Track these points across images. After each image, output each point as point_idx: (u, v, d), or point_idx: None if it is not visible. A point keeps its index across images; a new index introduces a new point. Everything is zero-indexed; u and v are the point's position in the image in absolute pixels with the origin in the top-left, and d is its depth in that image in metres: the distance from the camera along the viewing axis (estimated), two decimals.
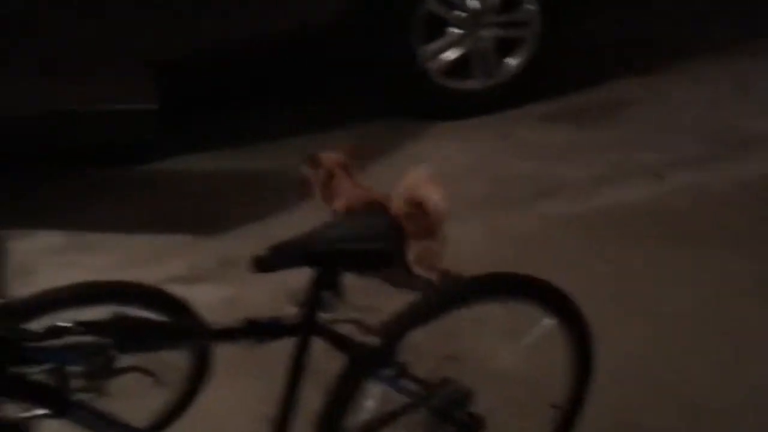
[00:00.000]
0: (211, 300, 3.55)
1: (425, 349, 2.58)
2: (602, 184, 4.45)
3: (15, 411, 2.20)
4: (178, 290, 2.75)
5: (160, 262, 3.93)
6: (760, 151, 4.68)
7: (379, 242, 2.30)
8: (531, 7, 5.04)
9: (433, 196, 3.54)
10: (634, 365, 3.29)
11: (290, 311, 2.34)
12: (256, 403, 3.01)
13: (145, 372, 2.27)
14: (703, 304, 3.61)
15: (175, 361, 2.79)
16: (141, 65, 3.95)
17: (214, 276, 3.88)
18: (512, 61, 5.13)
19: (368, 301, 3.28)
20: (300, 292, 3.22)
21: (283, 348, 2.33)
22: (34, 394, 2.11)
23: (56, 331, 2.09)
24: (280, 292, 3.38)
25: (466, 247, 3.94)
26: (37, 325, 2.35)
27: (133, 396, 2.53)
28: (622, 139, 4.69)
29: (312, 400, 2.41)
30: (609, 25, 5.82)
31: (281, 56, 4.88)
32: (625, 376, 3.20)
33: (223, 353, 2.88)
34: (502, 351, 2.79)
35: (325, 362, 2.39)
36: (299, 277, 2.34)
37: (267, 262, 2.22)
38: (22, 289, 3.13)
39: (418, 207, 3.51)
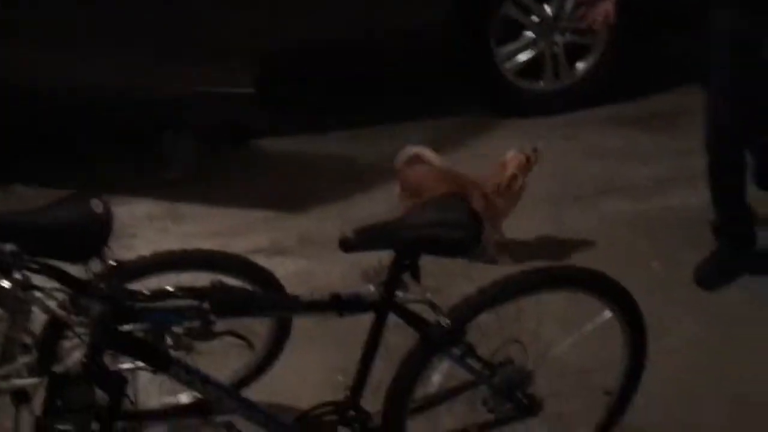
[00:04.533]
0: (287, 272, 3.63)
1: (491, 330, 2.62)
2: (663, 186, 4.43)
3: (120, 364, 2.29)
4: (259, 261, 2.84)
5: (245, 235, 4.02)
6: None
7: (460, 230, 2.35)
8: None
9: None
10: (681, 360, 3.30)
11: (365, 289, 2.39)
12: (330, 371, 3.08)
13: (239, 336, 2.35)
14: (752, 302, 3.60)
15: (258, 326, 2.88)
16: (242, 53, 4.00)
17: (293, 251, 3.96)
18: (581, 66, 5.14)
19: (441, 283, 3.35)
20: (375, 271, 3.29)
21: (357, 322, 2.40)
22: (140, 351, 2.20)
23: (160, 294, 2.18)
24: (352, 270, 3.48)
25: (532, 240, 3.98)
26: (142, 286, 2.46)
27: (218, 357, 2.63)
28: (684, 146, 4.66)
29: (381, 371, 2.48)
30: (684, 38, 5.74)
31: (386, 53, 4.93)
32: (673, 370, 3.22)
33: (301, 324, 2.97)
34: (562, 338, 2.81)
35: (394, 336, 2.46)
36: (371, 258, 2.39)
37: (353, 243, 2.26)
38: (124, 251, 3.25)
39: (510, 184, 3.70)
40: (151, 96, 4.11)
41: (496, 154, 4.61)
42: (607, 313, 2.70)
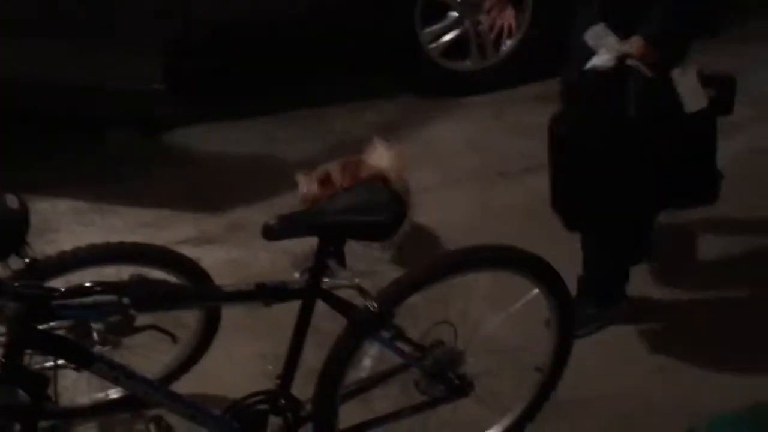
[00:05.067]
0: (216, 261, 3.58)
1: (420, 313, 2.61)
2: None
3: (41, 363, 2.24)
4: (187, 252, 2.79)
5: (172, 226, 3.96)
6: None
7: (381, 214, 2.33)
8: None
9: (393, 172, 3.56)
10: None
11: (294, 276, 2.37)
12: (260, 360, 3.05)
13: (162, 330, 2.31)
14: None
15: (185, 319, 2.84)
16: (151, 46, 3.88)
17: (221, 239, 3.91)
18: (506, 45, 5.14)
19: (367, 267, 3.34)
20: (303, 258, 3.27)
21: (287, 310, 2.37)
22: (60, 349, 2.15)
23: (79, 290, 2.13)
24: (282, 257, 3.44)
25: (457, 219, 3.98)
26: (60, 283, 2.40)
27: (147, 350, 2.59)
28: None
29: (312, 358, 2.46)
30: None
31: (295, 35, 4.86)
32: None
33: (231, 313, 2.93)
34: (491, 317, 2.82)
35: (324, 323, 2.44)
36: (302, 244, 2.37)
37: (276, 231, 2.23)
38: (45, 247, 3.18)
39: (379, 180, 3.43)
40: (63, 88, 3.98)
41: (426, 136, 4.66)
42: (535, 291, 2.71)
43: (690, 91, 2.93)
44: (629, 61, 2.92)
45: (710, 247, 3.83)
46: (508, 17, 3.24)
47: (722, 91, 3.02)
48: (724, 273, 3.70)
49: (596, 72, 2.97)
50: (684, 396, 3.06)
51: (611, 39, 2.96)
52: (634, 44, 2.90)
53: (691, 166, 3.15)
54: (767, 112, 4.74)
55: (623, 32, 2.94)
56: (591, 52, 2.98)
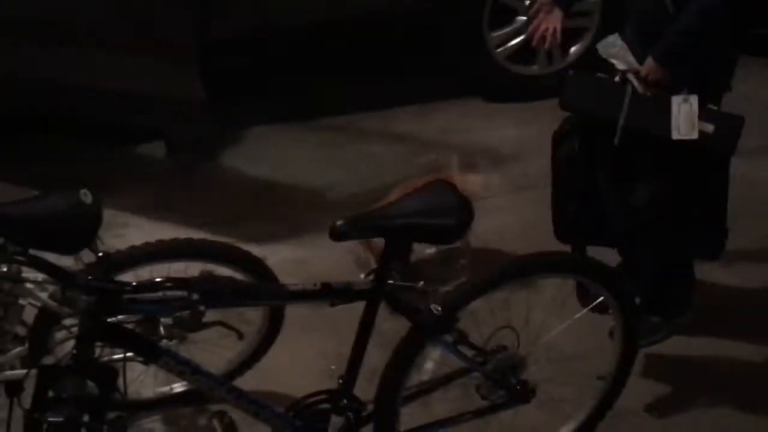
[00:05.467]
0: (281, 260, 3.61)
1: (483, 318, 2.60)
2: None
3: (110, 355, 2.27)
4: (253, 251, 2.82)
5: (237, 223, 3.99)
6: None
7: (448, 217, 2.32)
8: None
9: (468, 182, 3.51)
10: None
11: (359, 277, 2.38)
12: (323, 360, 3.06)
13: (229, 327, 2.33)
14: None
15: (251, 315, 2.86)
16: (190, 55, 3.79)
17: (285, 239, 3.94)
18: (574, 49, 5.11)
19: (433, 271, 3.34)
20: (368, 260, 3.27)
21: (352, 310, 2.38)
22: (129, 342, 2.18)
23: (149, 285, 2.16)
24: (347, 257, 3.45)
25: (520, 225, 3.95)
26: (133, 277, 2.44)
27: (212, 346, 2.61)
28: None
29: (375, 359, 2.46)
30: None
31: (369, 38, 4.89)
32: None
33: (295, 312, 2.95)
34: (554, 324, 2.80)
35: (386, 323, 2.44)
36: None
37: (343, 231, 2.23)
38: (114, 241, 3.23)
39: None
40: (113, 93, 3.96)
41: (491, 140, 4.64)
42: (600, 299, 2.69)
43: (683, 118, 2.86)
44: (628, 74, 2.91)
45: None
46: (553, 21, 3.19)
47: (723, 129, 2.90)
48: None
49: (597, 79, 2.98)
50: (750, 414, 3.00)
51: (622, 51, 2.93)
52: (646, 62, 2.89)
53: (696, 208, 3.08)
54: None
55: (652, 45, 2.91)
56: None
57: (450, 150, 4.17)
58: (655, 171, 3.00)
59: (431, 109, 5.00)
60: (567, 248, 3.20)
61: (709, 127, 2.88)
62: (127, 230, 3.84)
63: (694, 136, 2.86)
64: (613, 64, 2.98)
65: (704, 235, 3.15)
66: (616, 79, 2.97)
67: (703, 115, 2.86)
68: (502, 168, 4.40)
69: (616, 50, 2.97)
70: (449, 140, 4.66)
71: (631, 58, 2.94)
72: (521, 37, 4.99)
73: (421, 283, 2.39)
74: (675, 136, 2.86)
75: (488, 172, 4.06)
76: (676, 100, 2.86)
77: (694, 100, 2.86)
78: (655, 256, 3.15)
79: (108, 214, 2.30)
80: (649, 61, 2.89)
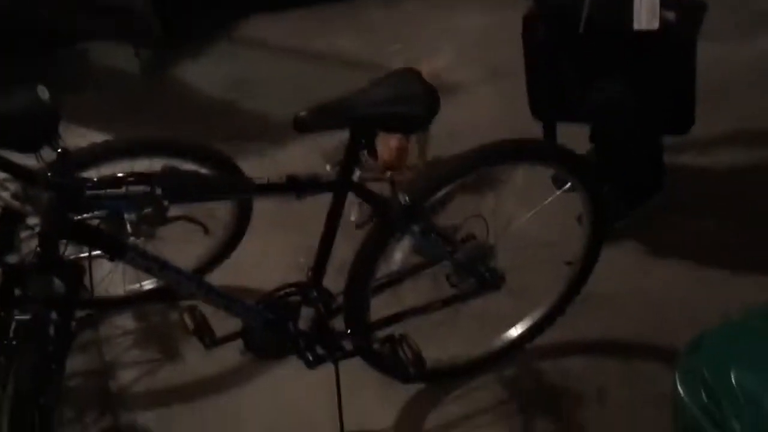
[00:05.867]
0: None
1: (452, 207, 2.60)
2: None
3: (76, 254, 2.25)
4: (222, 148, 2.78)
5: (203, 121, 3.94)
6: None
7: (415, 105, 2.29)
8: None
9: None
10: None
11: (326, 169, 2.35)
12: (293, 253, 3.06)
13: (194, 221, 2.31)
14: None
15: (219, 211, 2.84)
16: None
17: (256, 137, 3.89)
18: None
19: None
20: (335, 151, 3.23)
21: (319, 204, 2.37)
22: (94, 239, 2.16)
23: (112, 181, 2.12)
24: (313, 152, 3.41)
25: (484, 112, 3.92)
26: (96, 174, 2.40)
27: (180, 243, 2.59)
28: None
29: (344, 251, 2.46)
30: None
31: None
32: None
33: (263, 207, 2.93)
34: (522, 212, 2.80)
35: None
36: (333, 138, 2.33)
37: (307, 123, 2.20)
38: (78, 140, 3.17)
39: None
40: None
41: (458, 27, 4.55)
42: (567, 185, 2.68)
43: (645, 7, 2.81)
44: None
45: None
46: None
47: (686, 17, 2.87)
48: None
49: None
50: (716, 292, 3.03)
51: None
52: None
53: (660, 90, 3.04)
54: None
55: None
56: None
57: (418, 39, 4.12)
58: (616, 71, 2.97)
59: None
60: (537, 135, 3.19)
61: (671, 15, 2.84)
62: (89, 131, 3.77)
63: (655, 25, 2.81)
64: None
65: (673, 109, 3.13)
66: None
67: (665, 2, 2.82)
68: (472, 55, 4.34)
69: None
70: (417, 30, 4.58)
71: None
72: None
73: (389, 173, 2.37)
74: (636, 26, 2.81)
75: (455, 60, 4.01)
76: None
77: None
78: (622, 143, 3.14)
79: (69, 115, 2.24)
80: None
